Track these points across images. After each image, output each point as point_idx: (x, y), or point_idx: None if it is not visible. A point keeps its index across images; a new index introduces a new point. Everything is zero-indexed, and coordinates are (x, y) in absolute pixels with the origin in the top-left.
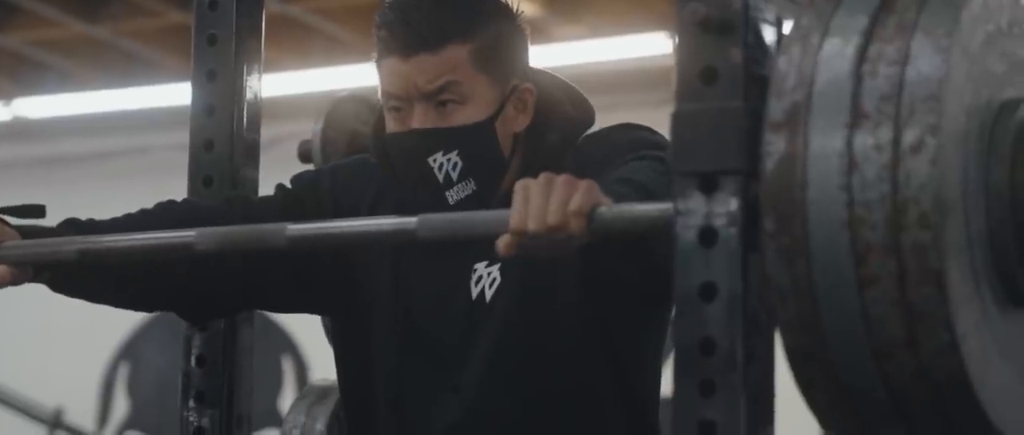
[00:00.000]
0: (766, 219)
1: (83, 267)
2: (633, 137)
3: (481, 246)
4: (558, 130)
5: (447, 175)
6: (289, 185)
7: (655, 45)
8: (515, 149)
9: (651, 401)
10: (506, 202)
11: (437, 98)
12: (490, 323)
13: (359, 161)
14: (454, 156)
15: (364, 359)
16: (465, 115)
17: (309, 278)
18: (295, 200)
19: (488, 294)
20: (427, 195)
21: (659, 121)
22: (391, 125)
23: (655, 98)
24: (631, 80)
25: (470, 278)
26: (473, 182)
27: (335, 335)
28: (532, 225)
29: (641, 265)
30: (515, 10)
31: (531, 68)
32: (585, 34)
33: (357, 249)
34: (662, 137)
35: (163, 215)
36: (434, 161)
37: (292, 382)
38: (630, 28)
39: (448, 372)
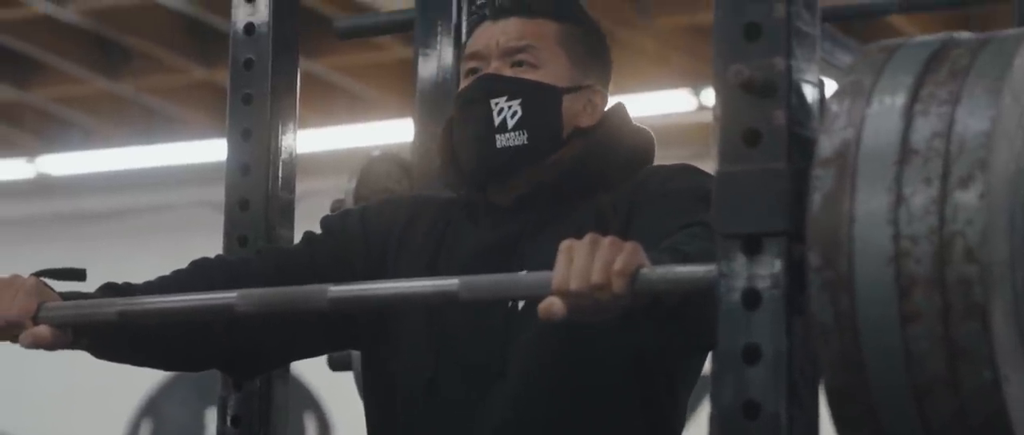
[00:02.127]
0: (812, 254)
1: (124, 331)
2: (694, 184)
3: (523, 255)
4: (617, 147)
5: (504, 120)
6: (318, 230)
7: (679, 102)
8: (571, 140)
9: (679, 420)
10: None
11: (514, 57)
12: (526, 332)
13: (388, 198)
14: (516, 104)
15: (390, 384)
16: (537, 77)
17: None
18: (325, 237)
19: (521, 302)
20: (476, 136)
21: None
22: (465, 75)
23: (679, 155)
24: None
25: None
26: (526, 134)
27: (365, 367)
28: (575, 284)
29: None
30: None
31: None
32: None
33: (397, 300)
34: None
35: (197, 273)
36: (496, 104)
37: None
38: (652, 85)
39: (483, 372)
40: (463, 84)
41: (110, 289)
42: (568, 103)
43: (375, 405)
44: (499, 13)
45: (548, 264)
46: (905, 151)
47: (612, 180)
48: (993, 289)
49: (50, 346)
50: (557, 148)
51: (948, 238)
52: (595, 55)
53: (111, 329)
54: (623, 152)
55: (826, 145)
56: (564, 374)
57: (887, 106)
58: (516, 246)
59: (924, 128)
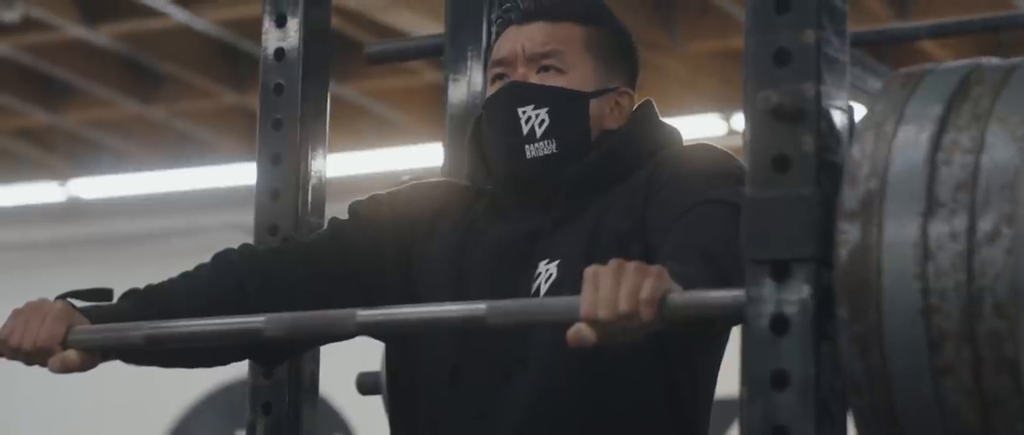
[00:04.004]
0: (840, 308)
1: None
2: (710, 160)
3: (546, 244)
4: (643, 144)
5: (532, 129)
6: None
7: (708, 127)
8: (600, 142)
9: (704, 412)
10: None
11: (540, 63)
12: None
13: (417, 183)
14: (544, 113)
15: (414, 372)
16: (563, 83)
17: (376, 296)
18: (353, 224)
19: (543, 288)
20: (505, 146)
21: None
22: (492, 82)
23: None
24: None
25: (532, 275)
26: (554, 143)
27: (388, 355)
28: (603, 313)
29: None
30: (634, 37)
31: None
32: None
33: (422, 261)
34: (738, 164)
35: (225, 272)
36: (523, 112)
37: None
38: (682, 110)
39: (506, 361)
40: (490, 90)
41: (133, 295)
42: (595, 107)
43: (398, 392)
44: (525, 18)
45: (571, 256)
46: (930, 203)
47: (636, 167)
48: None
49: (79, 370)
50: (586, 153)
51: (977, 293)
52: (621, 56)
53: (145, 353)
54: (649, 147)
55: (850, 197)
56: (585, 363)
57: (910, 156)
58: (540, 238)
59: (948, 179)
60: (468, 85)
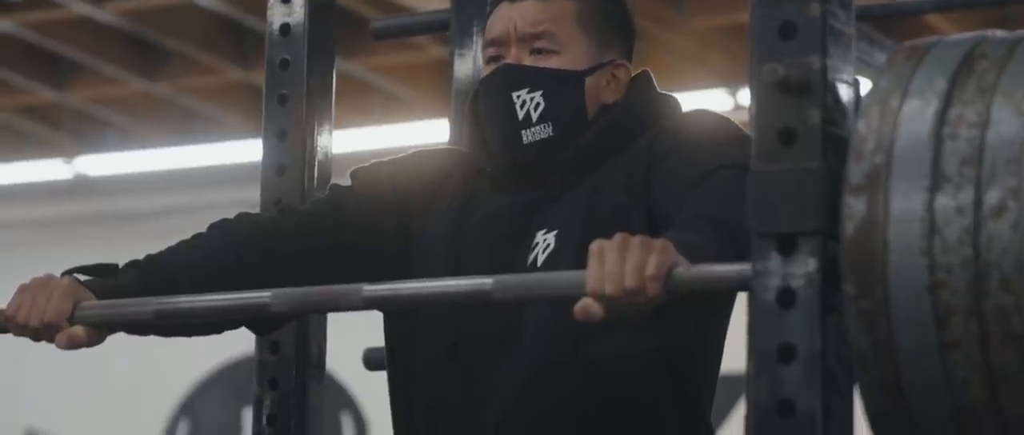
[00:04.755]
0: (846, 283)
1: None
2: (713, 127)
3: (544, 214)
4: (643, 115)
5: (528, 113)
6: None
7: (714, 102)
8: (598, 118)
9: (706, 387)
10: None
11: (533, 44)
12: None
13: (419, 152)
14: (538, 96)
15: (412, 347)
16: (557, 63)
17: (374, 270)
18: (353, 191)
19: (541, 259)
20: (502, 133)
21: None
22: (487, 62)
23: None
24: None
25: (529, 245)
26: (551, 126)
27: (387, 330)
28: (609, 289)
29: None
30: (628, 3)
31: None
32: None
33: (422, 219)
34: (740, 129)
35: (224, 245)
36: (518, 97)
37: None
38: (689, 85)
39: (504, 336)
40: (485, 71)
41: (135, 267)
42: (591, 83)
43: (397, 368)
44: None
45: (569, 226)
46: (936, 178)
47: (637, 137)
48: None
49: (86, 345)
50: (584, 130)
51: (983, 268)
52: (615, 27)
53: (147, 324)
54: (648, 118)
55: (856, 172)
56: (581, 339)
57: (915, 131)
58: (538, 209)
59: (954, 154)
60: (474, 60)
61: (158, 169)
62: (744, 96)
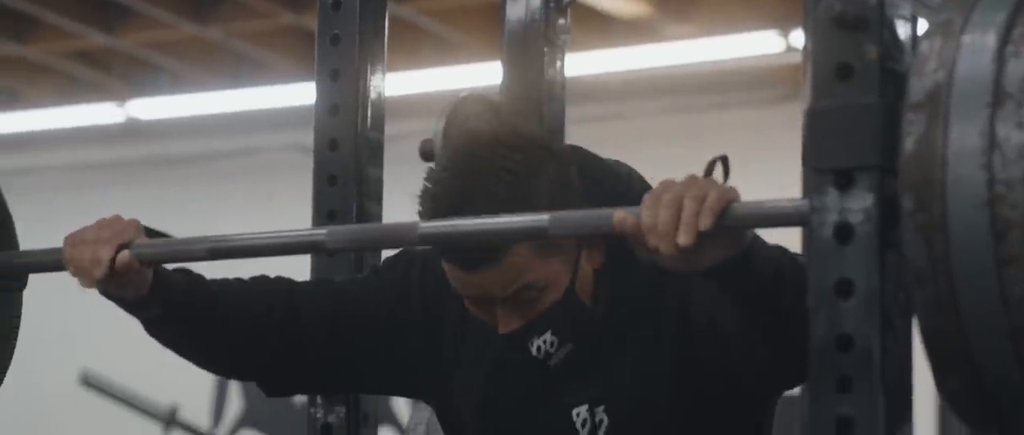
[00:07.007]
0: (905, 198)
1: (190, 309)
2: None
3: (574, 391)
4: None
5: (546, 352)
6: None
7: (766, 44)
8: (599, 282)
9: None
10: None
11: (519, 298)
12: None
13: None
14: (548, 335)
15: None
16: (548, 297)
17: (404, 367)
18: (379, 290)
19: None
20: (527, 380)
21: (767, 120)
22: (472, 308)
23: (765, 97)
24: (741, 79)
25: (571, 420)
26: (570, 344)
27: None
28: (666, 199)
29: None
30: (546, 142)
31: (567, 151)
32: (695, 33)
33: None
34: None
35: (259, 291)
36: (532, 345)
37: None
38: (740, 27)
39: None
40: (474, 310)
41: (185, 272)
42: (580, 282)
43: None
44: (468, 265)
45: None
46: (998, 94)
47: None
48: None
49: (130, 270)
50: (593, 312)
51: None
52: (564, 200)
53: (179, 309)
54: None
55: (917, 88)
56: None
57: (978, 47)
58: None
59: (1016, 70)
60: (527, 3)
61: (209, 112)
62: (796, 38)
